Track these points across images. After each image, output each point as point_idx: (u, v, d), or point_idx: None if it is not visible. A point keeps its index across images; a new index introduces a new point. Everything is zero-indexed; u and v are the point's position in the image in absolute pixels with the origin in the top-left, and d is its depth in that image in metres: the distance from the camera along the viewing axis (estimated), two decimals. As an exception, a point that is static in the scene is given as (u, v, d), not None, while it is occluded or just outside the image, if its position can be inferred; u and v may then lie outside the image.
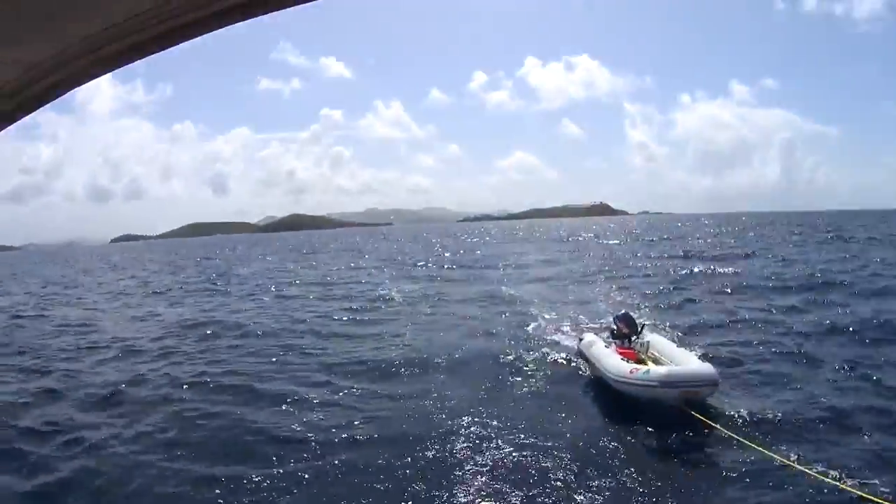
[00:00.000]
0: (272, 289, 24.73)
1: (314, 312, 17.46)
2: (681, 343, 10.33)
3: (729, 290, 17.63)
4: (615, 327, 10.28)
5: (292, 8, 1.06)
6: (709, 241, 43.22)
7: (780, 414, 7.45)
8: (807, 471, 5.63)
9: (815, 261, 24.35)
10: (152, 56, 1.10)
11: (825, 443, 6.59)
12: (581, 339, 10.92)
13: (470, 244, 57.76)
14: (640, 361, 8.86)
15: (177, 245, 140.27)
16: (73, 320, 18.43)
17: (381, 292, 21.21)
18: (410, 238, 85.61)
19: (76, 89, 1.17)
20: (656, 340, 9.65)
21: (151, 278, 34.75)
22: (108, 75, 1.13)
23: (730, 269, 22.83)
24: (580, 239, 57.67)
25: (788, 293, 16.69)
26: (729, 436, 6.69)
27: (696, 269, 23.11)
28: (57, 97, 1.15)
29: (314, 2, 1.06)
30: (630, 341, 9.71)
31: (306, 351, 12.38)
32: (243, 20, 1.04)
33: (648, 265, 26.95)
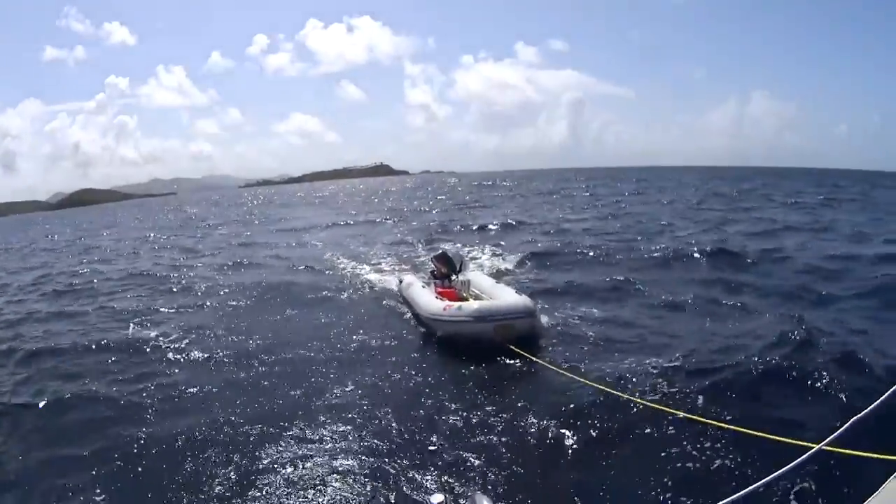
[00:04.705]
0: None
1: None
2: (500, 280, 10.41)
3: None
4: (434, 267, 10.19)
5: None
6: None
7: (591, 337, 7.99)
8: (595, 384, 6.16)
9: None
10: None
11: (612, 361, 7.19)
12: (401, 281, 10.66)
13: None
14: (462, 300, 8.73)
15: None
16: None
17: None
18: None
19: None
20: (476, 278, 9.74)
21: None
22: None
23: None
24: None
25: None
26: (539, 363, 6.97)
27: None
28: None
29: None
30: (450, 280, 9.66)
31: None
32: None
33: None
